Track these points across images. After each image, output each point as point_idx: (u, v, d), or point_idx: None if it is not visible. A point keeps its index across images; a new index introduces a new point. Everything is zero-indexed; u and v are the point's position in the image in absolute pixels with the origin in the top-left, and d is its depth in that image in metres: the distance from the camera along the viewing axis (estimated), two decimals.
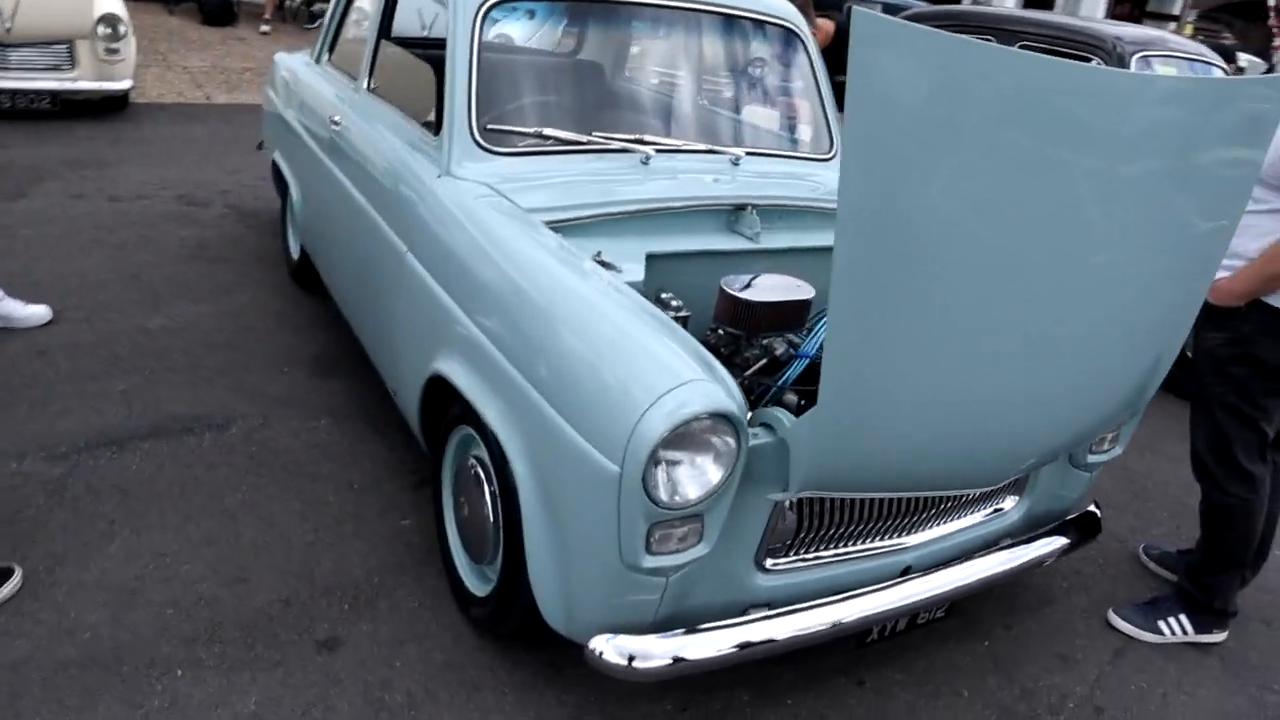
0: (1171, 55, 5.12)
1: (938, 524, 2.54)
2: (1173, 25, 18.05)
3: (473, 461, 2.53)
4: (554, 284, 2.25)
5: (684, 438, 1.90)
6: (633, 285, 2.36)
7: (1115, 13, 19.05)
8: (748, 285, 2.48)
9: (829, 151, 3.44)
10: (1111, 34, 5.04)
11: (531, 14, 3.12)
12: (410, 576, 2.75)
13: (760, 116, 3.42)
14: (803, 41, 3.46)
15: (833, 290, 1.74)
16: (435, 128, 2.94)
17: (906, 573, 2.46)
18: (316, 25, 11.51)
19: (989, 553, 2.61)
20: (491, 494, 2.41)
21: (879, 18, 1.56)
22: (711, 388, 1.93)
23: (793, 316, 2.50)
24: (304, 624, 2.52)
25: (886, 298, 1.77)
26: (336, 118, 3.56)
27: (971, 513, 2.62)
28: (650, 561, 2.00)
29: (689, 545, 2.05)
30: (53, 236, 4.89)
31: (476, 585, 2.58)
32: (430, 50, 4.07)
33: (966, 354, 1.93)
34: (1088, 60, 5.17)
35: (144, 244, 4.85)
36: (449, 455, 2.70)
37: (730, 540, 2.12)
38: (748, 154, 3.17)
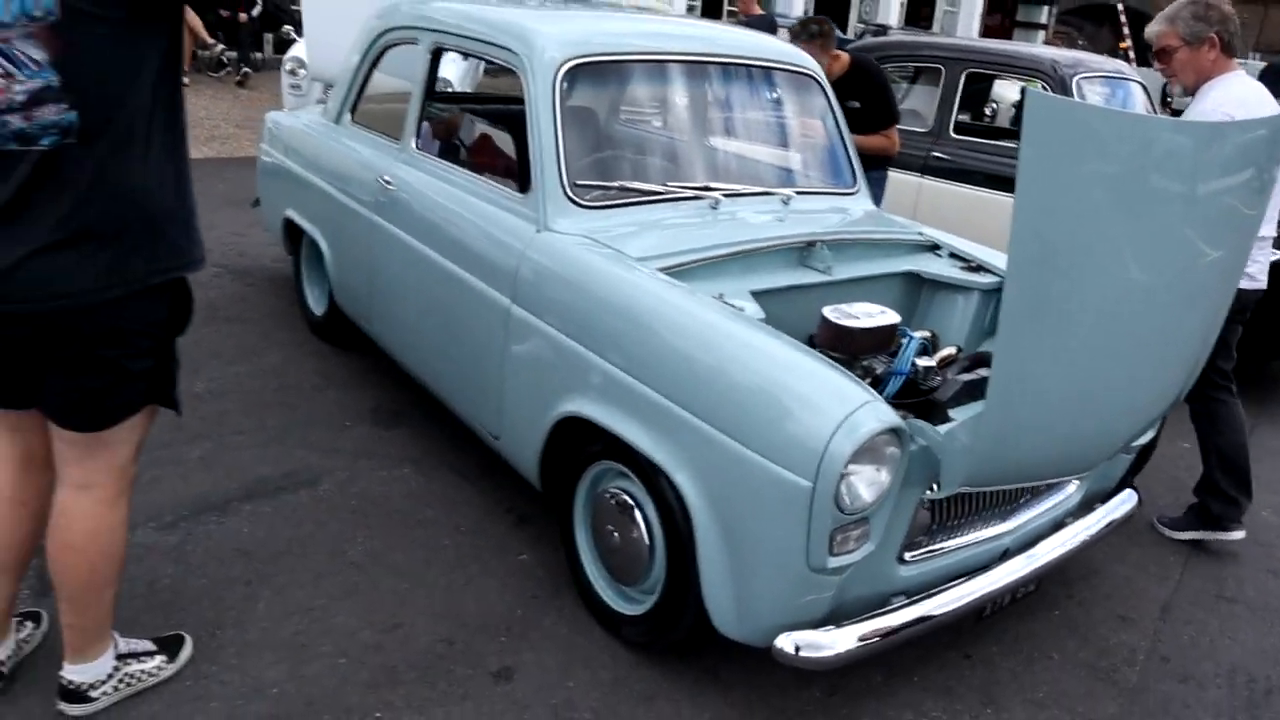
0: (1099, 75, 5.66)
1: (1028, 509, 2.88)
2: (1041, 34, 19.21)
3: (612, 492, 2.76)
4: (705, 325, 2.50)
5: (866, 451, 2.19)
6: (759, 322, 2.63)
7: (987, 24, 20.18)
8: (846, 314, 2.78)
9: (853, 185, 3.78)
10: (1049, 58, 5.54)
11: (599, 74, 3.36)
12: (549, 606, 2.95)
13: (795, 158, 3.73)
14: (821, 86, 3.79)
15: (1002, 317, 2.03)
16: (520, 186, 3.16)
17: (1005, 555, 2.79)
18: (224, 74, 11.48)
19: (1065, 528, 2.96)
20: (646, 520, 2.65)
21: (1049, 99, 1.88)
22: (882, 406, 2.23)
23: (886, 339, 2.81)
24: (473, 659, 2.71)
25: (1045, 321, 2.08)
26: (387, 178, 3.73)
27: (1052, 496, 2.96)
28: (834, 562, 2.27)
29: (861, 545, 2.34)
30: None
31: (624, 606, 2.81)
32: (473, 105, 4.31)
33: (1100, 359, 2.26)
34: (1032, 82, 5.67)
35: None
36: (582, 489, 2.91)
37: (880, 539, 2.41)
38: (795, 193, 3.48)
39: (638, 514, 2.67)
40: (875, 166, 4.92)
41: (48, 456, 2.29)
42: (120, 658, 2.46)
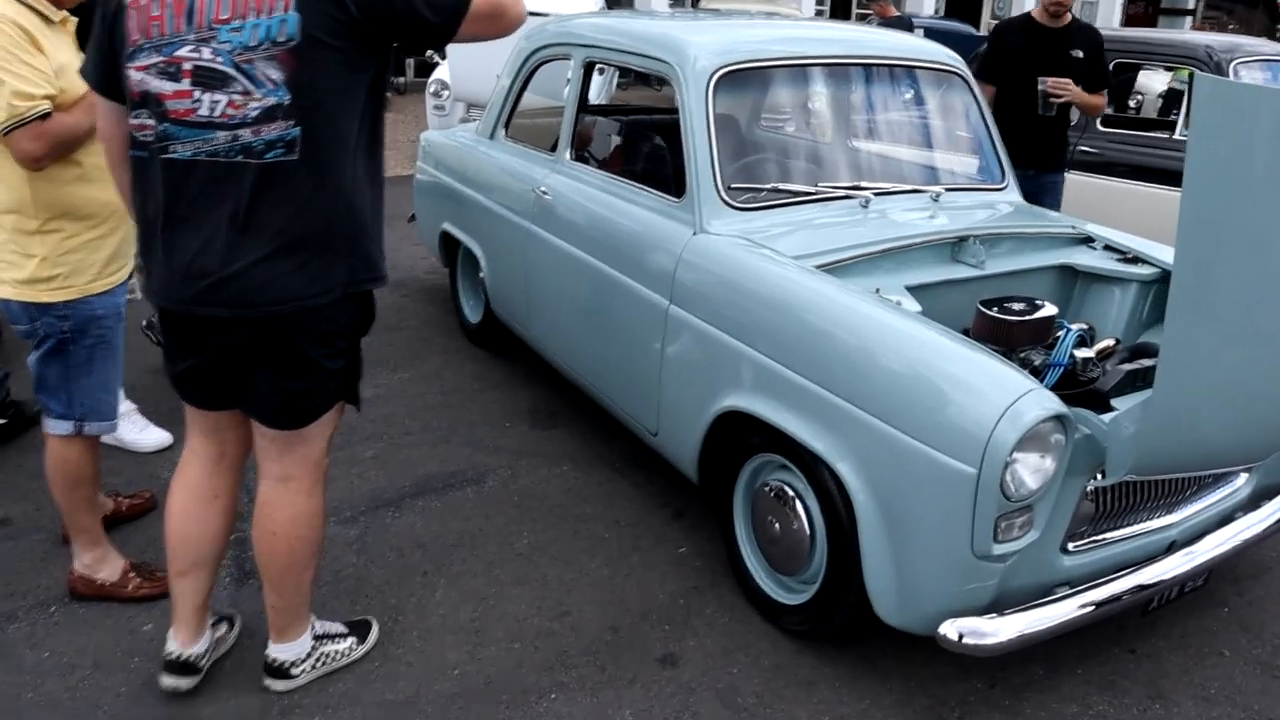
0: (1258, 59, 5.46)
1: (1194, 501, 2.84)
2: (1189, 20, 18.47)
3: (772, 485, 2.84)
4: (864, 318, 2.56)
5: (1031, 439, 2.21)
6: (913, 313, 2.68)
7: (1129, 13, 19.50)
8: (1003, 307, 2.80)
9: (1002, 181, 3.77)
10: (1202, 44, 5.38)
11: (749, 80, 3.45)
12: (710, 596, 3.04)
13: (943, 155, 3.75)
14: (967, 82, 3.80)
15: (1171, 298, 2.04)
16: (675, 190, 3.27)
17: (1171, 548, 2.75)
18: None
19: (1234, 522, 2.90)
20: (807, 511, 2.72)
21: (1219, 81, 1.88)
22: (1045, 394, 2.25)
23: (1043, 332, 2.82)
24: (639, 645, 2.82)
25: (1215, 303, 2.08)
26: (543, 188, 3.90)
27: (1220, 489, 2.91)
28: (999, 549, 2.30)
29: (1025, 532, 2.36)
30: None
31: (783, 596, 2.88)
32: (624, 116, 4.46)
33: (1274, 343, 2.23)
34: (1182, 70, 5.52)
35: None
36: (741, 482, 3.00)
37: (1044, 527, 2.43)
38: (945, 189, 3.50)
39: (798, 505, 2.74)
40: (1051, 168, 4.90)
41: (238, 456, 2.51)
42: (317, 638, 2.65)
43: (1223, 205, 1.97)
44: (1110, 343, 3.07)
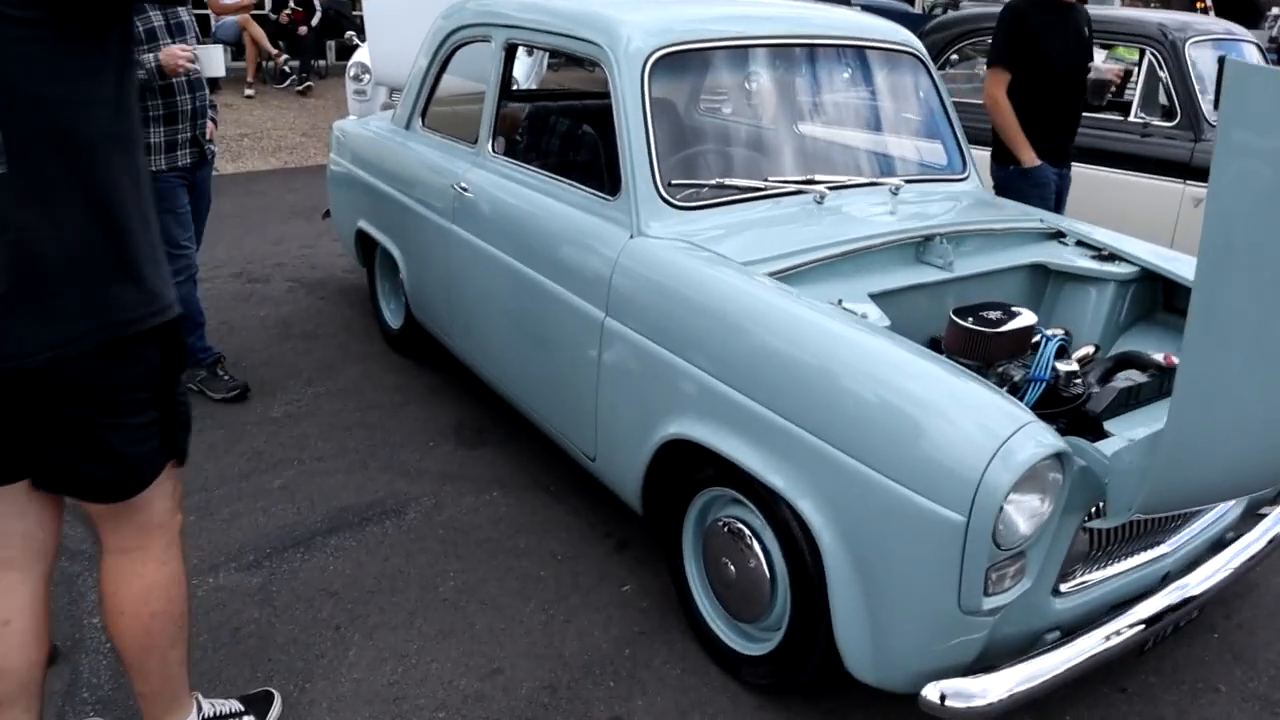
0: (1210, 37, 5.25)
1: (1188, 527, 2.58)
2: None
3: (726, 521, 2.52)
4: (827, 336, 2.25)
5: (1027, 480, 1.92)
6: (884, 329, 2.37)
7: None
8: (978, 316, 2.51)
9: (963, 171, 3.48)
10: (1155, 22, 5.15)
11: (688, 63, 3.11)
12: (658, 643, 2.72)
13: (901, 144, 3.45)
14: (925, 65, 3.49)
15: (1191, 316, 1.75)
16: (609, 188, 2.93)
17: (1166, 579, 2.49)
18: (288, 84, 11.43)
19: (1228, 546, 2.65)
20: (766, 552, 2.40)
21: (1251, 67, 1.59)
22: (1041, 428, 1.96)
23: (1022, 343, 2.54)
24: (580, 708, 2.49)
25: (1241, 319, 1.79)
26: (463, 184, 3.53)
27: (1214, 510, 2.65)
28: (989, 602, 2.01)
29: (1016, 581, 2.07)
30: None
31: (743, 645, 2.57)
32: (551, 102, 4.09)
33: None
34: (1131, 52, 5.31)
35: (228, 330, 4.75)
36: (691, 517, 2.68)
37: (1037, 574, 2.14)
38: (904, 181, 3.20)
39: (755, 545, 2.43)
40: (1060, 160, 4.43)
41: (34, 555, 1.95)
42: None
43: (1255, 216, 1.68)
44: (1089, 350, 2.80)
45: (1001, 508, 1.90)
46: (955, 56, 6.13)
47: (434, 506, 3.36)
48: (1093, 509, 2.14)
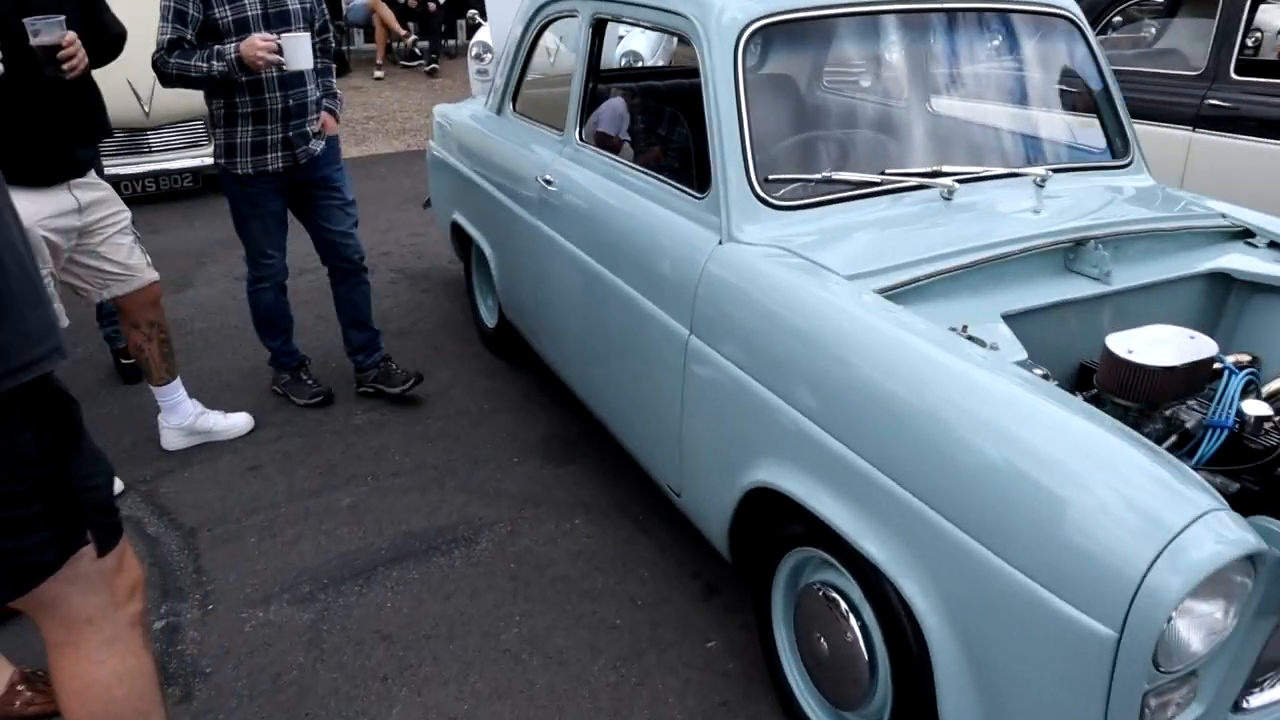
0: None
1: None
2: None
3: (820, 586, 2.11)
4: (940, 374, 1.81)
5: (1205, 587, 1.45)
6: (1020, 365, 1.91)
7: None
8: (1141, 344, 2.02)
9: (1126, 156, 2.94)
10: None
11: (791, 36, 2.67)
12: (741, 718, 2.34)
13: (1050, 125, 2.93)
14: (1082, 32, 2.95)
15: None
16: (697, 184, 2.53)
17: None
18: (417, 64, 11.34)
19: None
20: (864, 631, 1.99)
21: None
22: (1227, 520, 1.48)
23: (1199, 378, 2.04)
24: None
25: None
26: (548, 176, 3.18)
27: None
28: None
29: (1185, 707, 1.60)
30: (229, 327, 4.64)
31: None
32: (650, 82, 3.71)
33: None
34: None
35: (324, 325, 4.54)
36: (781, 578, 2.28)
37: (1213, 696, 1.66)
38: (1050, 171, 2.69)
39: (853, 619, 2.02)
40: None
41: None
42: None
43: None
44: None
45: (1168, 620, 1.44)
46: (1118, 19, 5.44)
47: (509, 535, 3.04)
48: None
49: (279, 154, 3.44)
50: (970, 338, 1.96)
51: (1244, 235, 2.65)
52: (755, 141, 2.44)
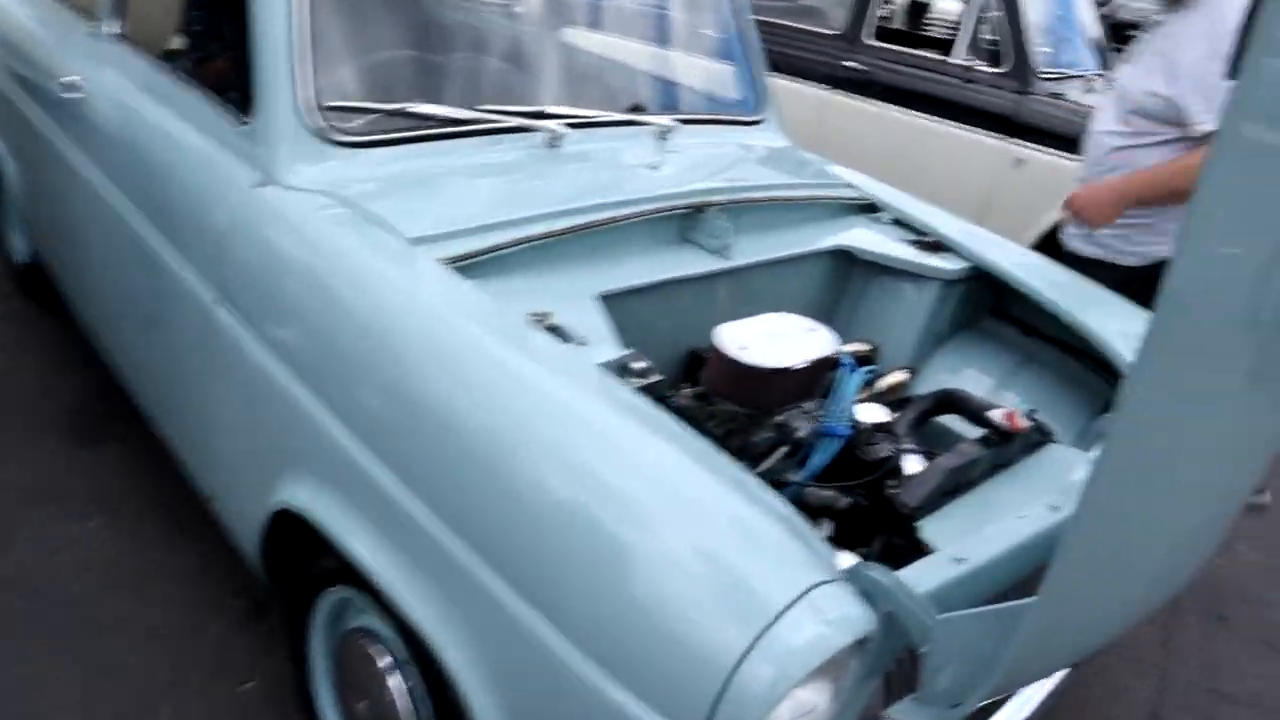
0: None
1: None
2: None
3: (363, 634, 1.67)
4: (499, 378, 1.39)
5: (809, 677, 1.14)
6: (607, 366, 1.53)
7: None
8: (754, 339, 1.72)
9: (761, 112, 2.67)
10: None
11: None
12: None
13: (684, 70, 2.60)
14: None
15: (1100, 467, 1.00)
16: (242, 105, 1.96)
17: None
18: None
19: None
20: (412, 694, 1.57)
21: None
22: (841, 595, 1.17)
23: (816, 379, 1.78)
24: None
25: (1176, 441, 1.06)
26: (73, 78, 2.46)
27: None
28: None
29: None
30: None
31: None
32: None
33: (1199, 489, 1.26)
34: None
35: None
36: (320, 619, 1.81)
37: None
38: (677, 121, 2.36)
39: (397, 677, 1.59)
40: None
41: None
42: None
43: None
44: (901, 376, 2.07)
45: None
46: None
47: (5, 543, 2.35)
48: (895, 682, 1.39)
49: None
50: (552, 328, 1.56)
51: (870, 209, 2.46)
52: (318, 54, 1.90)
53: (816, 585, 1.14)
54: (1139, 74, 2.62)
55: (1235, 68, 0.86)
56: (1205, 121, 2.47)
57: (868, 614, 1.16)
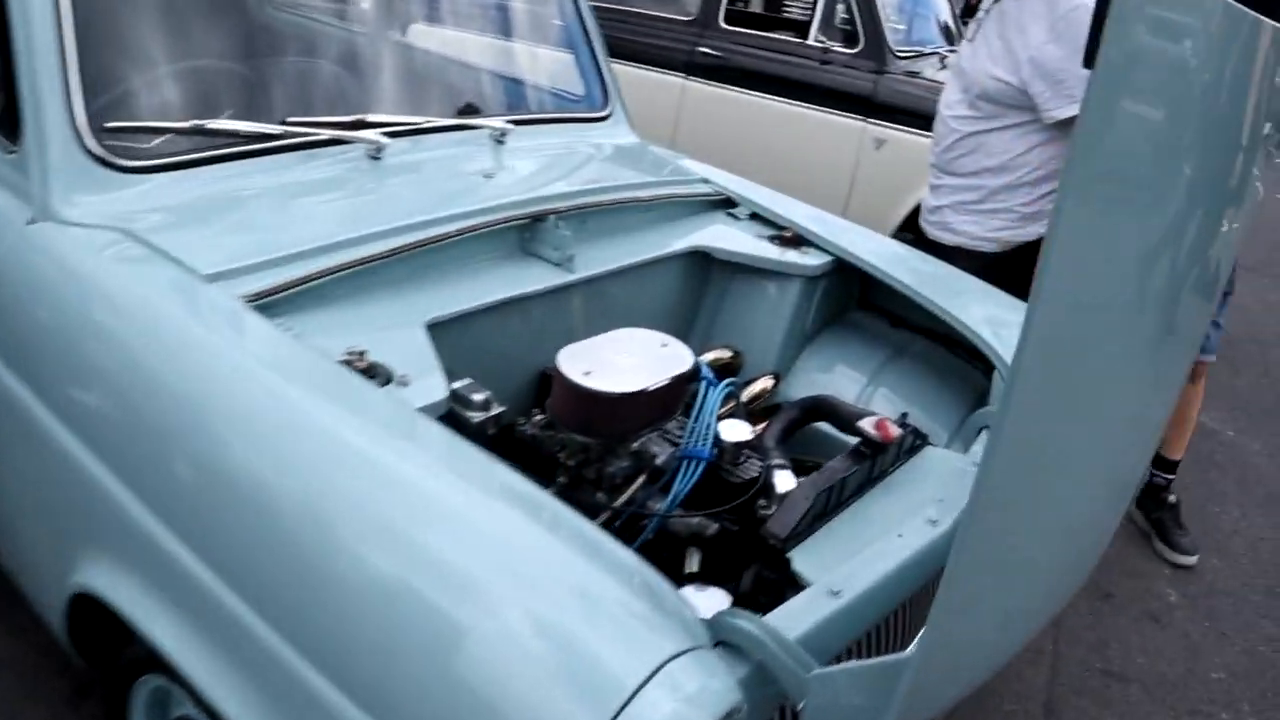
0: None
1: None
2: None
3: None
4: (322, 449, 1.22)
5: None
6: (429, 409, 1.37)
7: None
8: (601, 362, 1.58)
9: (603, 106, 2.53)
10: None
11: None
12: None
13: (523, 65, 2.44)
14: None
15: (980, 486, 0.89)
16: (8, 129, 1.72)
17: None
18: None
19: None
20: None
21: None
22: (703, 664, 1.04)
23: (673, 399, 1.65)
24: None
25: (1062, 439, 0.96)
26: None
27: None
28: None
29: None
30: None
31: None
32: None
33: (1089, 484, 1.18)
34: None
35: None
36: (138, 707, 1.60)
37: None
38: (512, 124, 2.19)
39: None
40: None
41: None
42: None
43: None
44: (767, 383, 1.98)
45: None
46: None
47: None
48: None
49: None
50: (368, 368, 1.38)
51: (727, 204, 2.34)
52: (95, 65, 1.69)
53: (674, 656, 1.00)
54: (981, 56, 2.56)
55: (1091, 57, 0.75)
56: (1055, 109, 2.43)
57: (733, 684, 1.03)
